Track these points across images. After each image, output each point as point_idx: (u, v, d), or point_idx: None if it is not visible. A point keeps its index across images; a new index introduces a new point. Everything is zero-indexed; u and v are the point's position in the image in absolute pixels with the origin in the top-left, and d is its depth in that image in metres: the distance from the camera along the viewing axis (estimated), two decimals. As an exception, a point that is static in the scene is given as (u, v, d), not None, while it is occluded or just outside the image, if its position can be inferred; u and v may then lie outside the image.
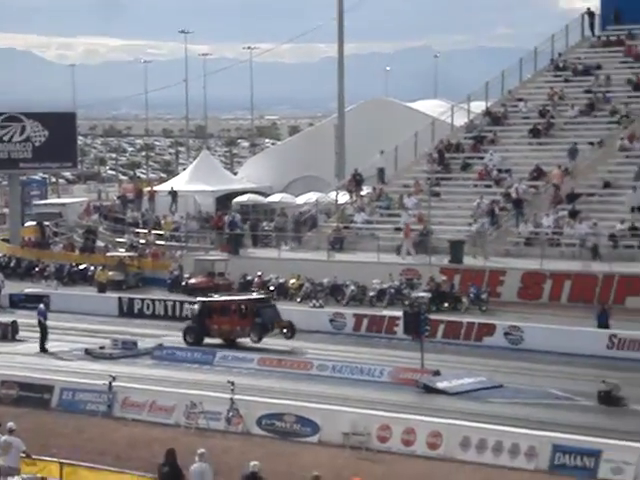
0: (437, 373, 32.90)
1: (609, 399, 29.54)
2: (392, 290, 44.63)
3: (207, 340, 39.02)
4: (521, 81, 59.92)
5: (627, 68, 56.85)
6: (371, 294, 44.85)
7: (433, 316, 37.55)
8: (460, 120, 59.20)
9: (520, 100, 57.61)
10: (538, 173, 51.41)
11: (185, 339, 39.15)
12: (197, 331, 39.16)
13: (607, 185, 49.20)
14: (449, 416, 27.48)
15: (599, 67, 57.55)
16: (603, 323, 37.57)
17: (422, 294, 39.09)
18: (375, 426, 26.57)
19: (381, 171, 56.43)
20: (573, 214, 47.67)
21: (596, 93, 55.17)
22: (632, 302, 41.76)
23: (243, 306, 39.17)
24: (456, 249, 46.89)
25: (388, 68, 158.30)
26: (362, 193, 55.80)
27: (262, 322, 38.80)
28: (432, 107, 70.40)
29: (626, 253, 44.88)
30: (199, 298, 41.24)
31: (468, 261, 46.51)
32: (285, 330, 39.12)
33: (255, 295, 41.53)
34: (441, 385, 31.92)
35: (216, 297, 41.01)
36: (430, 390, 31.78)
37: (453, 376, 32.74)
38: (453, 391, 31.53)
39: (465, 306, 42.93)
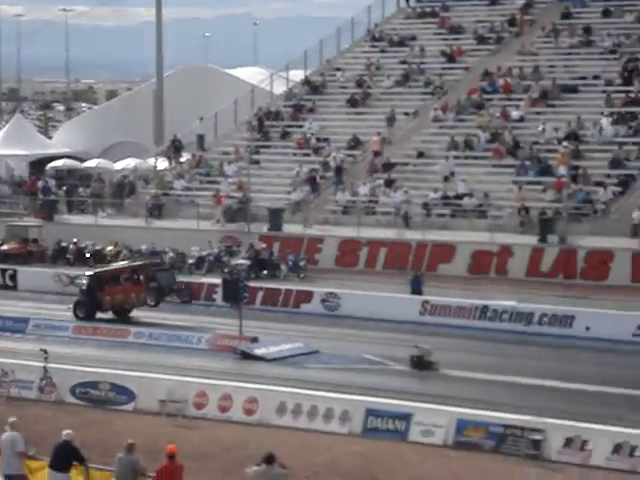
0: (255, 340, 33.08)
1: (421, 363, 30.32)
2: (211, 257, 44.56)
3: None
4: (339, 51, 60.52)
5: (441, 40, 58.07)
6: (190, 261, 44.64)
7: (252, 283, 37.68)
8: (279, 88, 59.41)
9: (338, 70, 58.17)
10: (355, 142, 52.14)
11: (75, 314, 37.21)
12: (88, 305, 37.23)
13: (421, 155, 50.29)
14: (266, 382, 27.69)
15: (414, 38, 58.59)
16: (416, 290, 38.53)
17: (241, 261, 39.18)
18: (192, 393, 26.56)
19: (201, 138, 56.12)
20: (388, 183, 48.59)
21: (411, 64, 56.19)
22: (444, 269, 42.96)
23: (136, 272, 37.98)
24: (275, 217, 47.16)
25: (208, 34, 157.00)
26: (181, 160, 55.41)
27: (158, 286, 37.67)
28: (252, 74, 70.43)
29: (438, 221, 46.03)
30: (87, 271, 39.26)
31: (287, 229, 46.87)
32: (181, 295, 38.18)
33: (147, 260, 40.44)
34: (259, 352, 32.13)
35: (106, 267, 39.51)
36: (248, 357, 31.95)
37: (271, 343, 33.00)
38: (270, 357, 31.79)
39: (284, 273, 43.26)
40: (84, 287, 37.86)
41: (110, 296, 37.35)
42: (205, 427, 25.63)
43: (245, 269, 37.90)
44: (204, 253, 44.73)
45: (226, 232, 47.13)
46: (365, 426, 24.93)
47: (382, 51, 58.68)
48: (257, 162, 52.02)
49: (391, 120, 52.38)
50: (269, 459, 18.15)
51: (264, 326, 35.34)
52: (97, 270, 39.12)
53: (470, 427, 23.98)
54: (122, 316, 37.51)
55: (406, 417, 24.59)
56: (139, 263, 39.64)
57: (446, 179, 47.84)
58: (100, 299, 37.32)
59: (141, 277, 37.97)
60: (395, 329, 35.26)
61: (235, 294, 34.38)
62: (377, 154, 50.57)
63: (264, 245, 44.81)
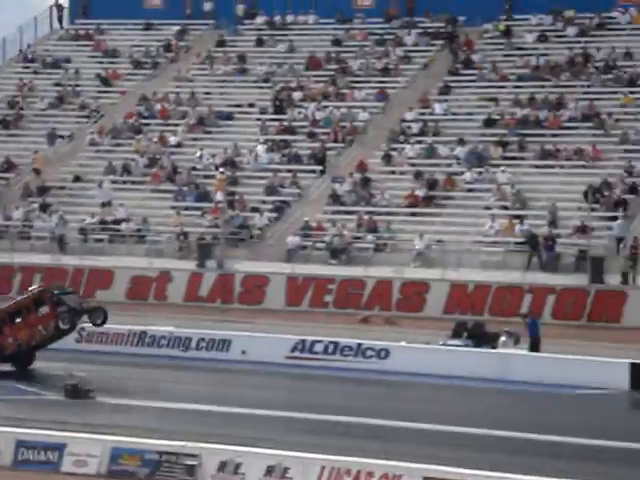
0: None
1: (76, 392, 29.70)
2: None
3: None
4: (-10, 71, 58.74)
5: (96, 63, 57.64)
6: None
7: None
8: None
9: (-11, 90, 56.41)
10: (8, 165, 50.74)
11: None
12: None
13: (77, 179, 49.57)
14: None
15: (68, 61, 57.79)
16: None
17: None
18: None
19: None
20: (43, 207, 47.51)
21: (66, 86, 55.32)
22: (102, 295, 42.20)
23: (38, 302, 32.94)
24: None
25: None
26: None
27: (69, 308, 32.82)
28: None
29: (96, 247, 45.52)
30: None
31: None
32: (94, 315, 33.78)
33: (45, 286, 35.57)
34: None
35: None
36: None
37: None
38: None
39: None
40: None
41: (13, 336, 32.83)
42: None
43: None
44: None
45: None
46: (16, 458, 24.04)
47: (35, 72, 57.45)
48: None
49: (52, 139, 51.37)
50: None
51: None
52: None
53: (125, 455, 23.63)
54: (23, 366, 33.09)
55: (59, 448, 23.91)
56: (38, 291, 34.18)
57: (104, 204, 47.29)
58: (2, 343, 32.75)
59: (45, 305, 33.42)
60: (51, 358, 34.14)
61: None
62: (38, 172, 49.40)
63: None
